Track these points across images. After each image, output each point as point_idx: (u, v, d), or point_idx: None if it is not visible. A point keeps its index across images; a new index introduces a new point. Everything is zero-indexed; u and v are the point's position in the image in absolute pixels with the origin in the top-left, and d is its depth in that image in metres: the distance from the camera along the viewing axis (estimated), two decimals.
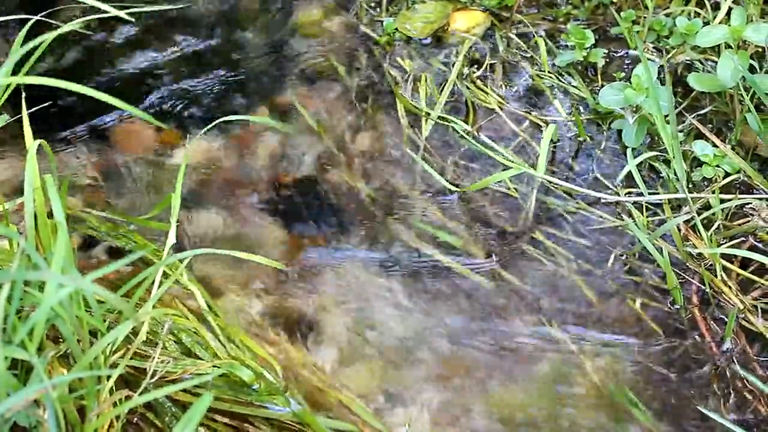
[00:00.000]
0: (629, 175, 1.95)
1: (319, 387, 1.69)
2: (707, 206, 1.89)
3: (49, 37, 1.49)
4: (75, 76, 2.26)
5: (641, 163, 1.98)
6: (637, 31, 2.18)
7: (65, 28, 1.57)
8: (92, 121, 2.15)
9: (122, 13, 1.54)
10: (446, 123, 2.11)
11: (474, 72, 2.21)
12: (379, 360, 1.72)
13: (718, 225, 1.87)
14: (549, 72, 2.20)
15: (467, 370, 1.72)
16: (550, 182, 1.97)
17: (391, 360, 1.73)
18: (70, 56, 2.28)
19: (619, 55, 2.20)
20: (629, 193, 1.95)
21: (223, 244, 1.91)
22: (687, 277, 1.82)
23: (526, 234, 1.91)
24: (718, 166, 1.95)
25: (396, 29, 2.30)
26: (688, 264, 1.83)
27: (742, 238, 1.87)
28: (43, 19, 1.71)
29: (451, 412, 1.66)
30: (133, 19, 1.64)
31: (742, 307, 1.78)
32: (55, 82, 1.34)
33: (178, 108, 2.21)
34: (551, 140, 2.02)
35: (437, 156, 2.05)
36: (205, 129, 1.96)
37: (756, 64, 2.01)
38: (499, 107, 2.14)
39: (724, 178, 1.94)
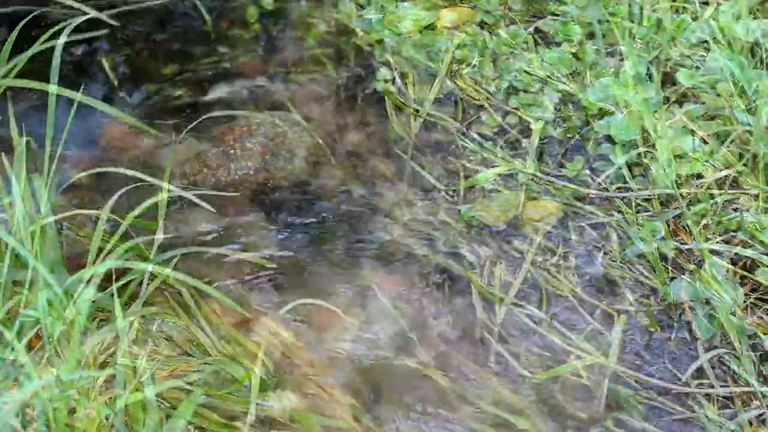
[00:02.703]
0: (700, 366, 1.98)
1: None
2: None
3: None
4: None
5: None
6: (706, 225, 2.24)
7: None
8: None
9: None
10: (520, 310, 2.16)
11: (548, 259, 2.28)
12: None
13: None
14: (620, 262, 2.26)
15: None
16: (622, 372, 2.00)
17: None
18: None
19: (689, 247, 2.26)
20: (700, 384, 1.97)
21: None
22: None
23: (598, 422, 1.94)
24: None
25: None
26: None
27: None
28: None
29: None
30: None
31: None
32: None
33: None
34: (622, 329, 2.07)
35: (512, 344, 2.10)
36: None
37: None
38: (572, 295, 2.20)
39: None
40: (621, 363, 2.03)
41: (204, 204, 1.66)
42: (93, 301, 1.62)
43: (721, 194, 2.08)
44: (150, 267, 1.66)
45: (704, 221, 2.25)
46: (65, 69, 2.38)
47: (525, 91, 2.50)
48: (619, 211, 2.34)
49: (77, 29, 2.08)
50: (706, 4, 2.43)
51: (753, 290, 2.07)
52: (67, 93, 1.39)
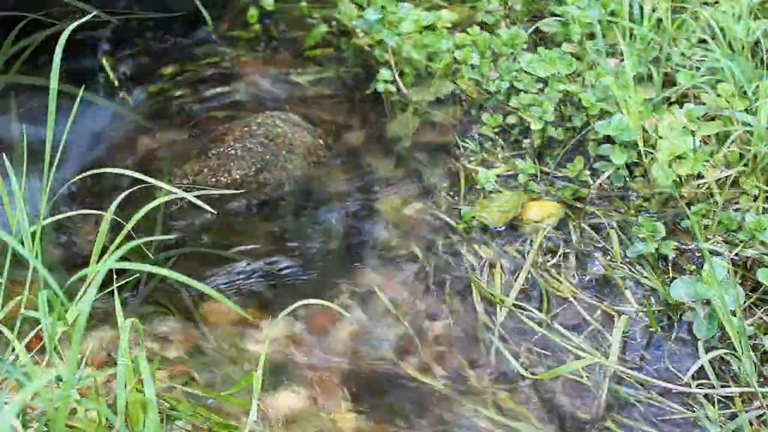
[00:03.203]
0: (700, 366, 1.98)
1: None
2: None
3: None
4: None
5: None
6: (706, 225, 2.24)
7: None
8: None
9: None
10: (521, 311, 2.17)
11: (548, 261, 2.28)
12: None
13: None
14: (621, 262, 2.26)
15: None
16: (622, 372, 2.01)
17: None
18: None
19: (689, 247, 2.26)
20: (700, 385, 1.97)
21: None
22: None
23: (598, 422, 1.94)
24: None
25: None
26: None
27: None
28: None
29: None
30: (214, 212, 1.75)
31: None
32: (148, 267, 1.42)
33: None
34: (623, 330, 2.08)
35: (512, 344, 2.11)
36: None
37: None
38: (572, 296, 2.20)
39: None
40: (621, 363, 2.03)
41: (203, 205, 1.66)
42: (94, 301, 1.63)
43: (721, 195, 2.09)
44: (149, 267, 1.67)
45: (704, 221, 2.25)
46: (65, 69, 2.39)
47: (525, 92, 2.50)
48: (619, 212, 2.35)
49: (78, 29, 2.10)
50: (707, 4, 2.44)
51: (753, 290, 2.08)
52: (67, 88, 1.39)
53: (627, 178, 2.39)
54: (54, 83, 1.45)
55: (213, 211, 1.98)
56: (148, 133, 2.49)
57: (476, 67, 2.63)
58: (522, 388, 2.01)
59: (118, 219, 1.84)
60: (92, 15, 1.62)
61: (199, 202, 1.67)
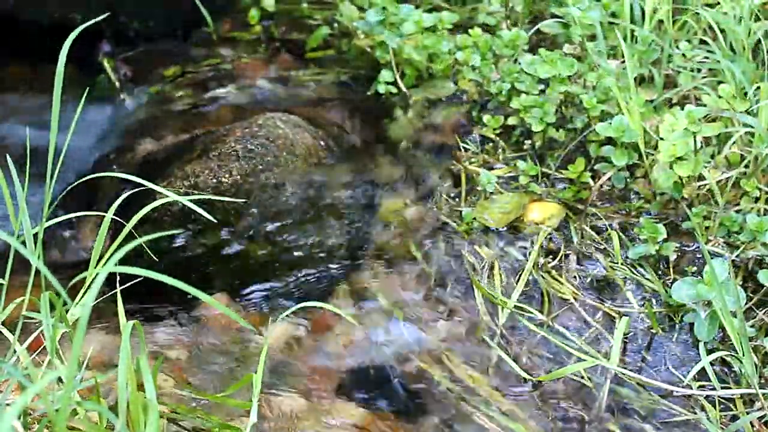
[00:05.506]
0: (702, 368, 1.98)
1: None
2: None
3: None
4: (168, 256, 2.38)
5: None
6: (707, 227, 2.24)
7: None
8: None
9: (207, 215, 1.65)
10: (521, 312, 2.17)
11: (549, 262, 2.28)
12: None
13: None
14: (622, 264, 2.26)
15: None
16: (623, 374, 2.01)
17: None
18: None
19: (690, 249, 2.26)
20: (702, 386, 1.97)
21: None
22: None
23: (599, 424, 1.94)
24: None
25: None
26: None
27: None
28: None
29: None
30: (214, 220, 1.77)
31: None
32: (148, 273, 1.43)
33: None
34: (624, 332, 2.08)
35: (514, 346, 2.11)
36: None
37: None
38: (573, 298, 2.20)
39: None
40: (623, 365, 2.03)
41: (202, 212, 1.66)
42: (94, 303, 1.64)
43: (722, 196, 2.09)
44: (148, 272, 1.67)
45: (705, 223, 2.25)
46: (66, 70, 2.39)
47: (527, 93, 2.50)
48: (621, 213, 2.35)
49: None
50: (708, 5, 2.45)
51: (754, 292, 2.08)
52: (68, 90, 1.39)
53: (628, 180, 2.39)
54: (58, 86, 1.45)
55: (213, 219, 1.98)
56: (149, 134, 2.49)
57: (477, 68, 2.63)
58: (523, 389, 2.01)
59: (120, 220, 1.85)
60: (99, 19, 1.63)
61: (199, 209, 1.67)
